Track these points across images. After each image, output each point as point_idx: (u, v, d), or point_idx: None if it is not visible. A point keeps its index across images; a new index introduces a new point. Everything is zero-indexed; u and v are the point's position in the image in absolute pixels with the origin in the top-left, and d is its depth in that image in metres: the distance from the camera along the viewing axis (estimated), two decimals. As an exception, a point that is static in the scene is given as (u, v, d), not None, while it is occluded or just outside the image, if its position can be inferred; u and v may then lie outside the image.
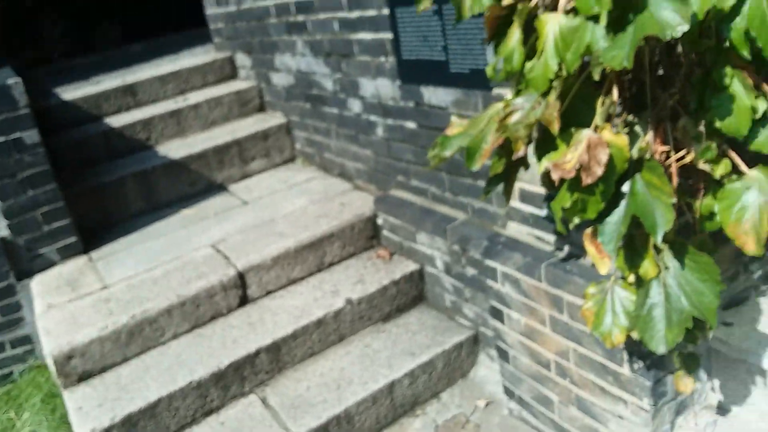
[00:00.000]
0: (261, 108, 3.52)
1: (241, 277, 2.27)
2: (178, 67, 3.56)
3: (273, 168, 3.26)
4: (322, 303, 2.22)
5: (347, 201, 2.64)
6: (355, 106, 2.63)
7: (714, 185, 1.26)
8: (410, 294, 2.34)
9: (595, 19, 1.07)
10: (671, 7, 0.99)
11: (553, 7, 1.22)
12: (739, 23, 1.07)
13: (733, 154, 1.23)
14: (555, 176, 1.12)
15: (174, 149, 3.08)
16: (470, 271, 2.06)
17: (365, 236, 2.51)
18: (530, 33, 1.23)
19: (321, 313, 2.17)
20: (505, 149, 1.28)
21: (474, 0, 1.23)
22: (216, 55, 3.73)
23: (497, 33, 1.34)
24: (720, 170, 1.24)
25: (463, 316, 2.20)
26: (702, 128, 1.21)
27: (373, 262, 2.42)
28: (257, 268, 2.30)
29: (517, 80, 1.28)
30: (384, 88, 2.38)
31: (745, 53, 1.08)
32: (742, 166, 1.22)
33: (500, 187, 1.44)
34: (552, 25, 1.15)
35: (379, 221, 2.50)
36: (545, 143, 1.21)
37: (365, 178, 2.74)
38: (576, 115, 1.19)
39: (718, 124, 1.17)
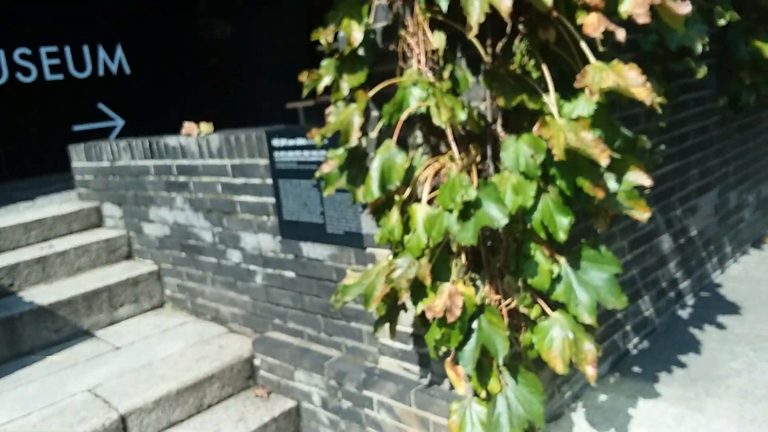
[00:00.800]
0: (129, 256, 3.66)
1: (123, 420, 2.34)
2: (43, 215, 3.62)
3: (142, 314, 3.36)
4: (205, 442, 2.36)
5: (225, 343, 2.86)
6: (234, 256, 2.95)
7: (531, 324, 1.79)
8: (288, 430, 2.55)
9: (450, 211, 1.59)
10: (496, 207, 1.55)
11: (417, 200, 1.74)
12: (536, 216, 1.65)
13: (541, 302, 1.77)
14: (429, 316, 1.56)
15: (40, 295, 3.08)
16: (346, 404, 2.37)
17: (243, 377, 2.72)
18: (404, 214, 1.74)
19: (205, 452, 2.30)
20: (389, 297, 1.71)
21: (365, 192, 1.71)
22: (82, 204, 3.85)
23: (377, 210, 1.83)
24: (534, 313, 1.78)
25: (336, 445, 2.47)
26: (520, 284, 1.76)
27: (252, 401, 2.62)
28: (139, 411, 2.38)
29: (396, 246, 1.76)
30: (265, 242, 2.75)
31: (542, 235, 1.65)
32: (548, 310, 1.76)
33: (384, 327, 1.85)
34: (421, 212, 1.66)
35: (257, 362, 2.74)
36: (419, 292, 1.66)
37: (241, 322, 2.99)
38: (439, 273, 1.67)
39: (529, 281, 1.71)
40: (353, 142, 1.75)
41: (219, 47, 7.56)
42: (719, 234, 3.37)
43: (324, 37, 1.75)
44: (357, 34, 1.70)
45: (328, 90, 1.91)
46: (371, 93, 1.82)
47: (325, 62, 1.86)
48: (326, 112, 1.82)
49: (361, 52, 1.81)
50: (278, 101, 6.79)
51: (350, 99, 1.84)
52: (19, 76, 5.81)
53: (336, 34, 1.78)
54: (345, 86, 1.79)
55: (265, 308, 2.83)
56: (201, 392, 2.56)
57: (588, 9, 1.47)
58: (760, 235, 3.94)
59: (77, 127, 6.20)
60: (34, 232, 3.54)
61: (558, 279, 1.71)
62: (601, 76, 1.48)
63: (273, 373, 2.67)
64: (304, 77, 1.81)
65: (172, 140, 3.17)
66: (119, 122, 6.51)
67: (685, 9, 1.43)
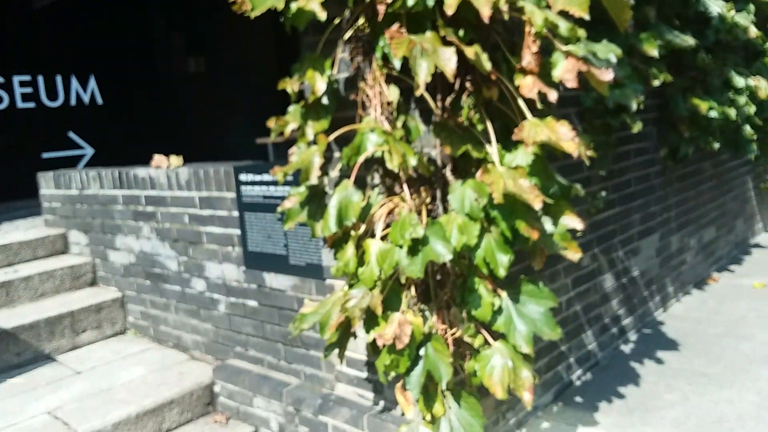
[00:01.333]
0: (93, 282, 3.71)
1: (81, 444, 2.38)
2: (8, 241, 3.66)
3: (104, 340, 3.40)
4: (162, 466, 2.41)
5: (185, 370, 2.92)
6: (199, 285, 3.04)
7: (475, 352, 1.93)
8: (244, 454, 2.62)
9: (400, 247, 1.74)
10: (442, 244, 1.71)
11: (372, 235, 1.89)
12: (479, 253, 1.81)
13: (484, 332, 1.93)
14: (380, 343, 1.70)
15: (3, 319, 3.11)
16: (302, 429, 2.46)
17: (203, 403, 2.78)
18: (359, 248, 1.89)
19: (162, 476, 2.35)
20: (343, 325, 1.84)
21: (323, 227, 1.86)
22: (48, 231, 3.90)
23: (335, 244, 1.98)
24: (477, 342, 1.93)
25: (292, 471, 2.54)
26: (464, 315, 1.91)
27: (210, 427, 2.68)
28: (98, 434, 2.44)
29: (351, 277, 1.90)
30: (229, 271, 2.86)
31: (485, 270, 1.82)
32: (490, 340, 1.91)
33: (333, 355, 1.97)
34: (374, 247, 1.81)
35: (217, 388, 2.81)
36: (371, 321, 1.80)
37: (203, 350, 3.07)
38: (390, 303, 1.81)
39: (473, 312, 1.87)
40: (313, 180, 1.90)
41: (191, 81, 7.71)
42: (661, 275, 3.60)
43: (290, 86, 1.92)
44: (320, 85, 1.87)
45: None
46: (332, 137, 1.98)
47: (291, 109, 2.02)
48: (289, 152, 1.98)
49: (324, 100, 1.98)
50: (248, 136, 6.92)
51: (314, 141, 2.00)
52: (-10, 102, 5.85)
53: (302, 83, 1.94)
54: (310, 131, 1.95)
55: (227, 336, 2.92)
56: (160, 417, 2.62)
57: (525, 72, 1.67)
58: (703, 276, 4.19)
59: (46, 155, 6.23)
60: (0, 256, 3.57)
61: (499, 311, 1.87)
62: (536, 130, 1.67)
63: (232, 400, 2.74)
64: (272, 123, 1.97)
65: (141, 171, 3.28)
66: (89, 151, 6.56)
67: (608, 76, 1.64)
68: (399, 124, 1.86)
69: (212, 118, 7.72)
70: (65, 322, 3.23)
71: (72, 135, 6.42)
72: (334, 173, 2.15)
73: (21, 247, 3.67)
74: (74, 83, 6.42)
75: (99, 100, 6.60)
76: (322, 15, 1.79)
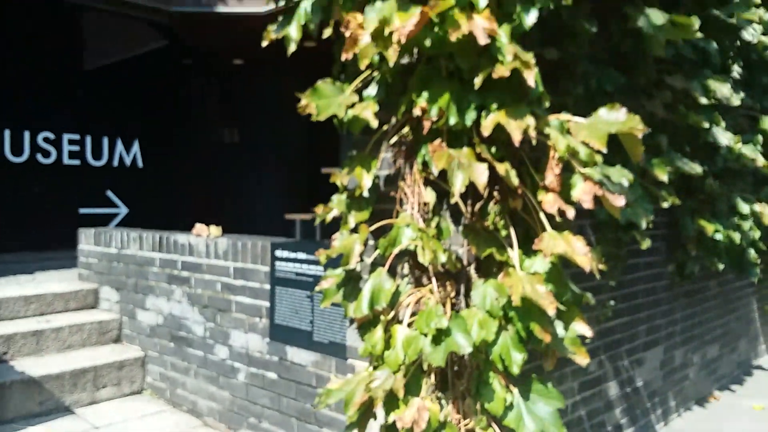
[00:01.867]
0: (118, 339, 3.86)
1: (95, 496, 2.47)
2: (43, 291, 3.86)
3: (121, 397, 3.51)
4: None
5: (199, 435, 3.03)
6: (222, 352, 3.19)
7: (484, 443, 2.05)
8: None
9: (425, 335, 1.92)
10: (463, 336, 1.88)
11: (399, 321, 2.07)
12: (496, 349, 1.97)
13: (495, 426, 2.05)
14: (399, 425, 1.84)
15: (31, 367, 3.25)
16: (307, 504, 2.54)
17: (213, 468, 2.87)
18: (387, 332, 2.06)
19: None
20: (365, 404, 1.98)
21: (356, 308, 2.04)
22: (82, 284, 4.10)
23: (363, 326, 2.15)
24: (487, 434, 2.05)
25: None
26: (478, 407, 2.04)
27: (218, 493, 2.76)
28: (112, 489, 2.52)
29: (376, 359, 2.06)
30: (254, 342, 3.02)
31: (500, 366, 1.97)
32: (499, 432, 2.04)
33: None
34: (401, 332, 1.98)
35: (228, 456, 2.90)
36: (392, 403, 1.94)
37: (217, 417, 3.17)
38: (411, 388, 1.96)
39: (486, 405, 2.00)
40: (352, 265, 2.11)
41: (226, 151, 8.15)
42: (664, 388, 3.68)
43: (339, 179, 2.17)
44: (367, 181, 2.11)
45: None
46: (372, 228, 2.20)
47: (335, 198, 2.26)
48: (332, 237, 2.20)
49: (365, 193, 2.22)
50: (276, 209, 7.23)
51: (353, 230, 2.22)
52: (39, 157, 6.24)
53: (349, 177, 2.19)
54: (352, 220, 2.17)
55: (243, 406, 3.03)
56: (171, 479, 2.71)
57: (547, 190, 1.90)
58: (705, 393, 4.24)
59: (83, 210, 6.55)
60: (33, 305, 3.75)
61: (510, 407, 1.99)
62: (554, 243, 1.88)
63: (241, 469, 2.83)
64: (319, 210, 2.20)
65: (181, 238, 3.51)
66: (123, 210, 6.88)
67: (620, 202, 1.86)
68: (433, 223, 2.08)
69: (241, 186, 8.10)
70: (88, 376, 3.37)
71: (110, 194, 6.77)
72: (369, 260, 2.35)
73: (55, 299, 3.87)
74: (119, 146, 6.84)
75: (140, 164, 7.00)
76: (374, 123, 2.06)
